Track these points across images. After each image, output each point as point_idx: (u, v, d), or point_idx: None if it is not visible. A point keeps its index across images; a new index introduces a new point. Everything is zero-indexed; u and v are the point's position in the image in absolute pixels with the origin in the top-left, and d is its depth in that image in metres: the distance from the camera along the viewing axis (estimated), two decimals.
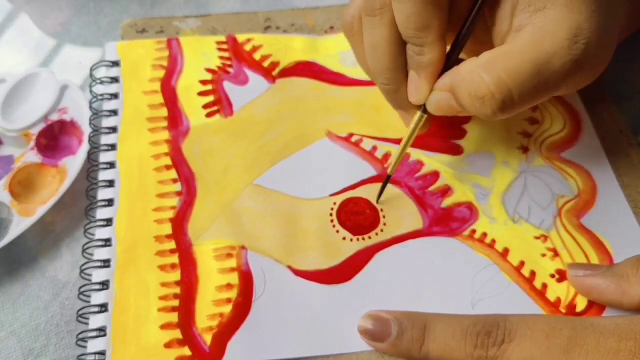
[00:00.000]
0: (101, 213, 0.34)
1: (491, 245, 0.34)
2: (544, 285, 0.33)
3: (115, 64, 0.40)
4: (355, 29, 0.34)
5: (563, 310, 0.32)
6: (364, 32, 0.33)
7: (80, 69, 0.42)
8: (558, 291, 0.33)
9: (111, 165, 0.36)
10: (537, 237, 0.35)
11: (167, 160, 0.36)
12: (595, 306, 0.32)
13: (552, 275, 0.33)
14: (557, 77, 0.29)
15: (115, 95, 0.38)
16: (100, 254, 0.33)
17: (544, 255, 0.34)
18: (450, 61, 0.32)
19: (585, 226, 0.35)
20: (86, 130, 0.37)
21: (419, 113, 0.33)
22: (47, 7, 0.46)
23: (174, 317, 0.31)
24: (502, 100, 0.29)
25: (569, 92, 0.36)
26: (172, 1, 0.46)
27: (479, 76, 0.29)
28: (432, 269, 0.33)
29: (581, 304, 0.33)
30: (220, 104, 0.39)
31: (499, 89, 0.28)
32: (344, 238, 0.34)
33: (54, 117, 0.39)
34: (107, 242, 0.34)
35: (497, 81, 0.28)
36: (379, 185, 0.36)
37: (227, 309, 0.32)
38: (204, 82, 0.40)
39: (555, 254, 0.34)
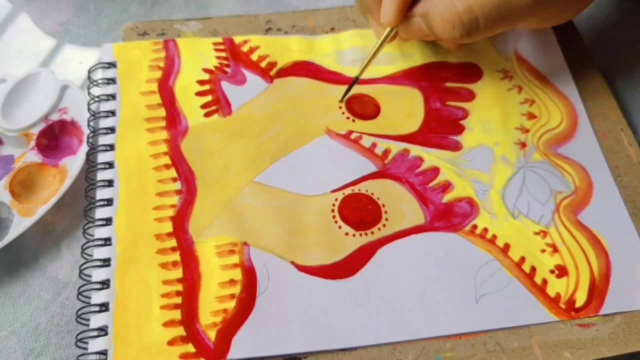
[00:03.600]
0: (100, 213, 0.34)
1: (492, 241, 0.34)
2: (544, 281, 0.33)
3: (112, 65, 0.39)
4: None
5: (563, 306, 0.32)
6: None
7: (80, 69, 0.42)
8: (558, 287, 0.33)
9: (110, 165, 0.35)
10: (536, 233, 0.34)
11: (167, 160, 0.36)
12: (595, 302, 0.32)
13: (552, 271, 0.33)
14: (520, 9, 0.33)
15: (112, 96, 0.38)
16: (100, 253, 0.33)
17: (543, 251, 0.34)
18: None
19: (582, 222, 0.35)
20: (86, 130, 0.37)
21: (388, 28, 0.36)
22: (48, 7, 0.45)
23: (176, 314, 0.31)
24: (470, 26, 0.33)
25: (539, 26, 0.37)
26: (172, 1, 0.45)
27: (452, 4, 0.33)
28: (435, 264, 0.33)
29: (580, 299, 0.33)
30: (218, 104, 0.38)
31: (468, 16, 0.33)
32: (346, 234, 0.34)
33: (55, 117, 0.38)
34: (107, 242, 0.33)
35: (467, 9, 0.32)
36: (380, 181, 0.35)
37: (231, 305, 0.31)
38: (201, 82, 0.39)
39: (555, 249, 0.34)
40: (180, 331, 0.30)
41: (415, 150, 0.37)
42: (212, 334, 0.30)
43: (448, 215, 0.35)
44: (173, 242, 0.33)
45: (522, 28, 0.37)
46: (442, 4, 0.33)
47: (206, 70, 0.39)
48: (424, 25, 0.34)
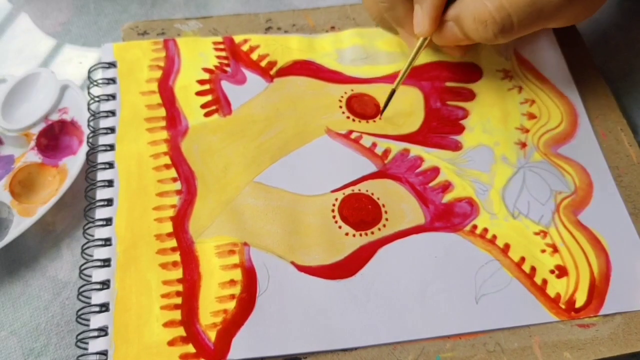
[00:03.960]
0: (100, 213, 0.34)
1: (492, 241, 0.34)
2: (544, 281, 0.33)
3: (112, 65, 0.39)
4: None
5: (563, 307, 0.32)
6: None
7: (80, 69, 0.42)
8: (558, 287, 0.33)
9: (110, 165, 0.35)
10: (536, 233, 0.34)
11: (167, 160, 0.35)
12: (594, 302, 0.32)
13: (552, 271, 0.33)
14: (552, 7, 0.32)
15: (112, 96, 0.38)
16: (100, 253, 0.32)
17: (543, 251, 0.34)
18: None
19: (582, 223, 0.35)
20: (86, 130, 0.37)
21: (422, 38, 0.35)
22: (48, 7, 0.45)
23: (177, 314, 0.31)
24: (502, 24, 0.32)
25: (567, 24, 0.36)
26: (172, 1, 0.45)
27: (483, 4, 0.32)
28: (435, 264, 0.33)
29: (580, 300, 0.32)
30: (218, 104, 0.38)
31: (500, 14, 0.32)
32: (346, 234, 0.34)
33: (55, 117, 0.38)
34: (107, 242, 0.33)
35: (499, 7, 0.32)
36: (380, 181, 0.35)
37: (231, 305, 0.31)
38: (201, 82, 0.39)
39: (555, 250, 0.34)
40: (181, 331, 0.30)
41: (416, 150, 0.37)
42: (212, 335, 0.30)
43: (448, 216, 0.34)
44: (173, 243, 0.33)
45: (551, 27, 0.36)
46: (473, 4, 0.33)
47: (206, 70, 0.39)
48: (457, 29, 0.34)
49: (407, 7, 0.35)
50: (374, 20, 0.39)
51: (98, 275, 0.32)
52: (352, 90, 0.39)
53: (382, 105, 0.37)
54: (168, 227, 0.33)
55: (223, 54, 0.40)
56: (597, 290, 0.33)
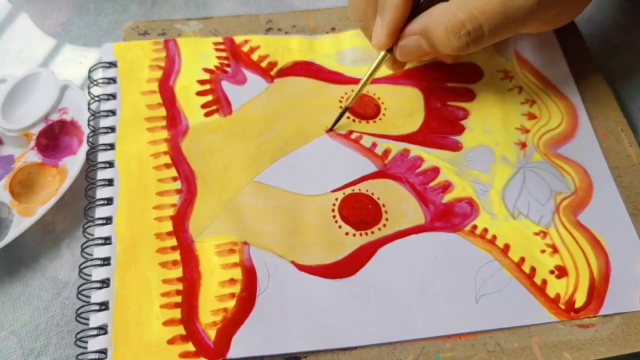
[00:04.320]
0: (100, 212, 0.34)
1: (492, 241, 0.34)
2: (544, 282, 0.33)
3: (113, 65, 0.39)
4: None
5: (562, 307, 0.32)
6: None
7: (80, 69, 0.42)
8: (558, 287, 0.33)
9: (110, 164, 0.35)
10: (536, 234, 0.34)
11: (167, 159, 0.35)
12: (594, 303, 0.32)
13: (552, 272, 0.33)
14: (523, 14, 0.32)
15: (113, 96, 0.38)
16: (100, 252, 0.32)
17: (543, 251, 0.34)
18: (421, 9, 0.34)
19: (582, 223, 0.35)
20: (86, 130, 0.37)
21: (382, 52, 0.35)
22: (48, 7, 0.45)
23: (176, 313, 0.31)
24: (475, 34, 0.32)
25: (541, 30, 0.37)
26: (172, 2, 0.45)
27: (453, 14, 0.32)
28: (435, 264, 0.33)
29: (580, 300, 0.33)
30: (219, 104, 0.38)
31: (472, 24, 0.32)
32: (346, 233, 0.34)
33: (55, 117, 0.38)
34: (107, 241, 0.33)
35: (470, 17, 0.32)
36: (380, 181, 0.35)
37: (231, 304, 0.31)
38: (202, 82, 0.39)
39: (555, 250, 0.34)
40: (180, 330, 0.30)
41: (416, 150, 0.37)
42: (212, 333, 0.30)
43: (448, 216, 0.35)
44: (173, 241, 0.33)
45: (525, 33, 0.36)
46: (443, 16, 0.33)
47: (207, 70, 0.39)
48: (424, 42, 0.34)
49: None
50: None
51: (98, 274, 0.32)
52: (353, 91, 0.39)
53: (335, 122, 0.37)
54: (168, 226, 0.33)
55: (223, 54, 0.40)
56: (597, 291, 0.33)
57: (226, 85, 0.39)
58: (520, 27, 0.33)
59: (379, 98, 0.39)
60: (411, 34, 0.34)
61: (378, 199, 0.35)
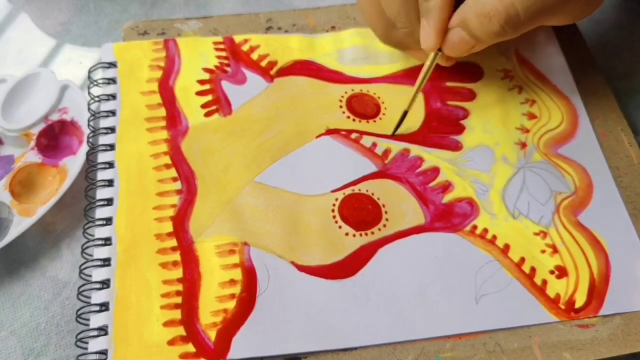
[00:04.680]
0: (101, 212, 0.34)
1: (492, 241, 0.34)
2: (544, 282, 0.33)
3: (113, 65, 0.39)
4: None
5: (563, 307, 0.32)
6: None
7: (80, 69, 0.42)
8: (557, 287, 0.33)
9: (110, 165, 0.35)
10: (536, 234, 0.34)
11: (167, 160, 0.35)
12: (594, 303, 0.32)
13: (552, 272, 0.33)
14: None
15: (113, 96, 0.38)
16: (100, 253, 0.32)
17: (543, 251, 0.34)
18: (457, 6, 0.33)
19: (582, 223, 0.35)
20: (86, 130, 0.37)
21: (432, 53, 0.35)
22: (48, 7, 0.45)
23: (177, 314, 0.31)
24: (507, 14, 0.31)
25: (569, 20, 0.36)
26: (172, 1, 0.45)
27: None
28: (435, 265, 0.33)
29: (580, 300, 0.32)
30: (218, 104, 0.38)
31: (503, 3, 0.31)
32: (346, 234, 0.34)
33: (55, 117, 0.38)
34: (107, 241, 0.33)
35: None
36: (380, 181, 0.35)
37: (231, 304, 0.31)
38: (201, 82, 0.39)
39: (555, 250, 0.34)
40: (180, 331, 0.30)
41: (416, 150, 0.37)
42: (212, 334, 0.30)
43: (448, 216, 0.34)
44: (173, 242, 0.33)
45: (553, 23, 0.36)
46: (475, 2, 0.32)
47: (206, 70, 0.39)
48: (464, 33, 0.33)
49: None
50: (379, 38, 0.38)
51: (98, 274, 0.32)
52: (353, 90, 0.39)
53: (397, 126, 0.37)
54: (168, 226, 0.33)
55: (223, 54, 0.40)
56: (597, 291, 0.33)
57: (226, 85, 0.39)
58: (554, 10, 0.32)
59: (379, 97, 0.39)
60: (452, 27, 0.34)
61: (378, 199, 0.35)
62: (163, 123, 0.37)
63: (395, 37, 0.37)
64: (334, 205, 0.34)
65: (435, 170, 0.36)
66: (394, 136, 0.37)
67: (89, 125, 0.36)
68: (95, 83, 0.38)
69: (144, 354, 0.30)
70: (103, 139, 0.36)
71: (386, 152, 0.37)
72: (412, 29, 0.35)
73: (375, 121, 0.38)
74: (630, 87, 0.41)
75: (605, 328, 0.32)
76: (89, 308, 0.31)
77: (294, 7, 0.45)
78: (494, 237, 0.34)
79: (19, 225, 0.34)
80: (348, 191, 0.35)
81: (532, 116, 0.39)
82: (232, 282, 0.32)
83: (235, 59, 0.40)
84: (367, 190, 0.35)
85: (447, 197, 0.35)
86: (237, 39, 0.41)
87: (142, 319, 0.30)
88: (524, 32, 0.33)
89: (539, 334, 0.31)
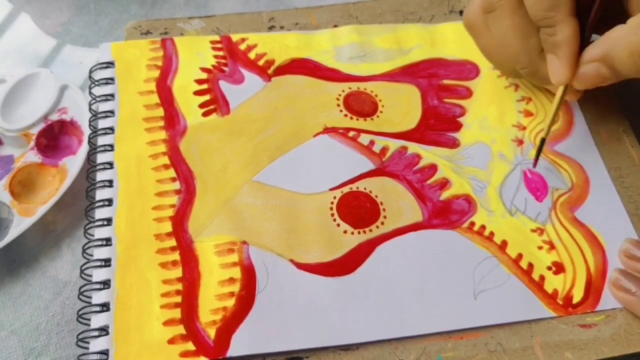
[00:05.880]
0: (100, 213, 0.33)
1: (490, 237, 0.33)
2: (542, 278, 0.32)
3: (110, 64, 0.38)
4: (477, 25, 0.35)
5: (560, 302, 0.32)
6: (491, 28, 0.34)
7: (80, 69, 0.41)
8: (555, 283, 0.32)
9: (110, 165, 0.34)
10: (533, 230, 0.34)
11: (165, 160, 0.35)
12: (591, 298, 0.32)
13: (549, 268, 0.33)
14: None
15: (111, 96, 0.37)
16: (100, 253, 0.32)
17: (540, 248, 0.33)
18: (586, 37, 0.32)
19: (579, 219, 0.34)
20: (86, 130, 0.36)
21: (562, 87, 0.34)
22: (48, 7, 0.44)
23: (176, 313, 0.30)
24: None
25: None
26: (173, 1, 0.44)
27: (636, 35, 0.29)
28: (433, 261, 0.32)
29: (577, 295, 0.32)
30: (216, 103, 0.37)
31: None
32: (345, 231, 0.33)
33: (54, 117, 0.37)
34: (107, 242, 0.32)
35: None
36: (378, 178, 0.35)
37: (231, 302, 0.30)
38: (199, 82, 0.38)
39: (552, 247, 0.33)
40: (180, 330, 0.30)
41: (413, 147, 0.36)
42: (211, 332, 0.30)
43: (446, 213, 0.34)
44: (172, 242, 0.32)
45: None
46: (625, 39, 0.30)
47: (204, 70, 0.38)
48: (604, 68, 0.31)
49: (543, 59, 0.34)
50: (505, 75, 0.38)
51: (98, 275, 0.31)
52: (350, 88, 0.38)
53: (536, 156, 0.35)
54: (167, 226, 0.32)
55: (221, 53, 0.39)
56: (594, 287, 0.32)
57: (224, 85, 0.38)
58: None
59: (376, 95, 0.38)
60: (590, 62, 0.32)
61: (376, 196, 0.34)
62: (161, 123, 0.36)
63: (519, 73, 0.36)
64: (332, 203, 0.34)
65: (433, 168, 0.35)
66: (534, 167, 0.36)
67: (90, 125, 0.36)
68: (96, 83, 0.37)
69: (144, 353, 0.29)
70: (102, 140, 0.35)
71: (384, 149, 0.36)
72: (535, 68, 0.34)
73: (372, 119, 0.37)
74: (631, 87, 0.40)
75: (608, 328, 0.31)
76: (90, 308, 0.30)
77: (294, 6, 0.44)
78: (492, 233, 0.33)
79: (19, 225, 0.33)
80: (346, 189, 0.34)
81: (528, 114, 0.38)
82: (231, 280, 0.31)
83: (233, 58, 0.39)
84: (365, 188, 0.34)
85: (445, 194, 0.34)
86: (235, 37, 0.40)
87: (143, 319, 0.30)
88: None
89: (541, 333, 0.31)
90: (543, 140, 0.35)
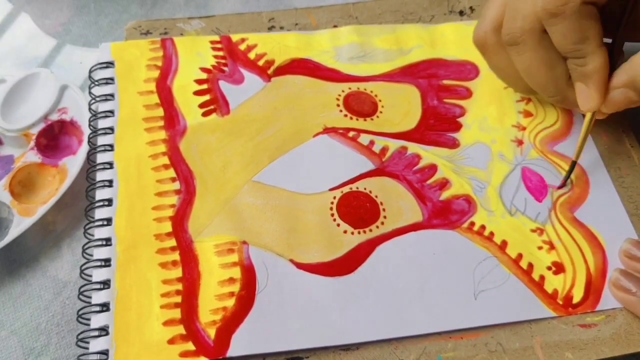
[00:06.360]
0: (100, 213, 0.33)
1: (490, 237, 0.33)
2: (542, 278, 0.32)
3: (110, 64, 0.38)
4: (489, 44, 0.35)
5: (560, 302, 0.31)
6: (515, 60, 0.33)
7: (80, 69, 0.41)
8: (555, 283, 0.32)
9: (109, 165, 0.34)
10: (533, 230, 0.34)
11: (165, 160, 0.34)
12: (591, 298, 0.32)
13: (549, 268, 0.33)
14: None
15: (111, 96, 0.37)
16: (100, 253, 0.32)
17: (540, 248, 0.33)
18: (613, 62, 0.32)
19: (579, 219, 0.34)
20: (86, 130, 0.36)
21: (590, 113, 0.33)
22: (48, 7, 0.44)
23: (176, 313, 0.30)
24: None
25: None
26: (173, 2, 0.44)
27: None
28: (433, 261, 0.32)
29: (577, 295, 0.32)
30: (216, 103, 0.37)
31: None
32: (345, 231, 0.33)
33: (54, 117, 0.37)
34: (107, 242, 0.32)
35: None
36: (378, 178, 0.35)
37: (231, 302, 0.30)
38: (199, 82, 0.38)
39: (551, 247, 0.33)
40: (180, 330, 0.29)
41: (413, 147, 0.36)
42: (211, 332, 0.29)
43: (446, 213, 0.34)
44: (172, 242, 0.32)
45: None
46: None
47: (204, 70, 0.38)
48: (632, 93, 0.31)
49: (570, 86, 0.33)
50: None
51: (98, 275, 0.31)
52: (350, 88, 0.38)
53: (566, 177, 0.35)
54: (167, 226, 0.32)
55: (220, 53, 0.39)
56: (594, 287, 0.32)
57: (223, 85, 0.38)
58: None
59: (376, 96, 0.38)
60: (617, 87, 0.32)
61: (376, 196, 0.34)
62: (161, 123, 0.36)
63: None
64: (332, 203, 0.34)
65: (433, 168, 0.35)
66: (562, 187, 0.35)
67: (90, 125, 0.35)
68: (95, 83, 0.37)
69: (144, 353, 0.29)
70: (102, 140, 0.35)
71: (383, 150, 0.36)
72: (563, 96, 0.34)
73: (372, 119, 0.37)
74: None
75: (608, 328, 0.31)
76: (90, 308, 0.30)
77: (294, 6, 0.44)
78: (492, 233, 0.33)
79: (19, 225, 0.33)
80: (346, 189, 0.34)
81: (528, 114, 0.38)
82: (231, 280, 0.31)
83: (233, 58, 0.39)
84: (365, 188, 0.34)
85: (445, 195, 0.34)
86: (234, 37, 0.40)
87: (143, 319, 0.30)
88: None
89: (541, 333, 0.30)
90: (574, 163, 0.34)
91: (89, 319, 0.30)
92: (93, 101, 0.36)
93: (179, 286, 0.31)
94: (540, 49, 0.32)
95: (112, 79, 0.37)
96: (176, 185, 0.34)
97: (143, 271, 0.31)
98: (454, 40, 0.40)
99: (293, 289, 0.31)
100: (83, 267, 0.31)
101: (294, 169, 0.35)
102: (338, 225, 0.33)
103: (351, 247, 0.32)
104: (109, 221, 0.32)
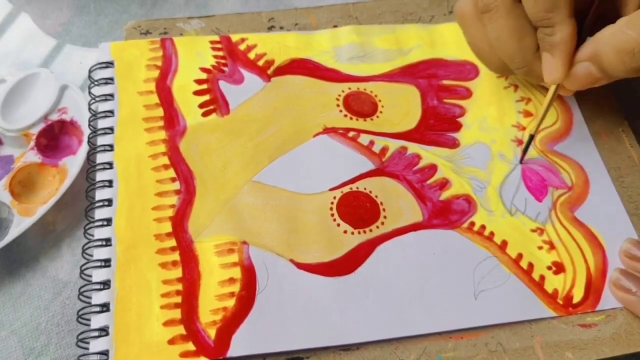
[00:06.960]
0: (100, 213, 0.33)
1: (490, 237, 0.33)
2: (542, 277, 0.32)
3: (110, 64, 0.38)
4: (467, 15, 0.35)
5: (560, 302, 0.31)
6: (486, 28, 0.34)
7: (80, 69, 0.41)
8: (555, 283, 0.32)
9: (109, 165, 0.34)
10: (533, 230, 0.34)
11: (165, 160, 0.34)
12: (592, 298, 0.32)
13: (549, 268, 0.32)
14: None
15: (111, 96, 0.36)
16: (100, 253, 0.31)
17: (540, 248, 0.33)
18: (582, 36, 0.32)
19: (579, 219, 0.34)
20: (86, 130, 0.36)
21: (554, 86, 0.34)
22: (48, 7, 0.44)
23: (176, 313, 0.30)
24: None
25: None
26: (173, 2, 0.44)
27: (624, 33, 0.29)
28: (433, 261, 0.32)
29: (578, 295, 0.32)
30: (216, 103, 0.37)
31: None
32: (345, 231, 0.33)
33: (54, 117, 0.37)
34: (107, 242, 0.32)
35: None
36: (377, 178, 0.35)
37: (231, 302, 0.30)
38: (199, 82, 0.37)
39: (552, 247, 0.33)
40: (181, 330, 0.29)
41: (413, 147, 0.36)
42: (212, 332, 0.29)
43: (446, 213, 0.34)
44: (172, 242, 0.32)
45: None
46: (612, 37, 0.30)
47: (204, 70, 0.38)
48: (594, 68, 0.31)
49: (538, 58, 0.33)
50: (493, 72, 0.37)
51: (98, 275, 0.31)
52: (350, 88, 0.38)
53: (524, 152, 0.36)
54: (167, 227, 0.32)
55: (220, 53, 0.39)
56: (594, 287, 0.32)
57: (223, 85, 0.37)
58: None
59: (376, 96, 0.38)
60: (581, 61, 0.32)
61: (376, 197, 0.34)
62: (161, 123, 0.36)
63: (510, 71, 0.35)
64: (332, 203, 0.33)
65: (433, 168, 0.35)
66: (521, 163, 0.36)
67: (89, 125, 0.35)
68: (95, 83, 0.37)
69: (144, 353, 0.29)
70: (102, 140, 0.35)
71: (383, 150, 0.36)
72: (530, 68, 0.34)
73: (372, 119, 0.37)
74: (630, 87, 0.40)
75: (608, 327, 0.31)
76: (90, 308, 0.30)
77: (294, 6, 0.43)
78: (492, 233, 0.33)
79: (19, 225, 0.33)
80: (346, 189, 0.34)
81: (527, 114, 0.38)
82: (232, 280, 0.31)
83: (233, 58, 0.39)
84: (365, 188, 0.34)
85: (445, 194, 0.34)
86: (234, 37, 0.40)
87: (143, 319, 0.30)
88: None
89: (541, 333, 0.30)
90: (532, 137, 0.35)
91: (89, 319, 0.30)
92: (93, 101, 0.36)
93: (179, 286, 0.30)
94: (511, 17, 0.32)
95: (111, 79, 0.37)
96: (176, 186, 0.33)
97: (143, 271, 0.31)
98: (453, 41, 0.40)
99: (293, 289, 0.31)
100: (83, 268, 0.31)
101: (294, 169, 0.34)
102: (338, 225, 0.33)
103: (351, 247, 0.32)
104: (108, 221, 0.32)
